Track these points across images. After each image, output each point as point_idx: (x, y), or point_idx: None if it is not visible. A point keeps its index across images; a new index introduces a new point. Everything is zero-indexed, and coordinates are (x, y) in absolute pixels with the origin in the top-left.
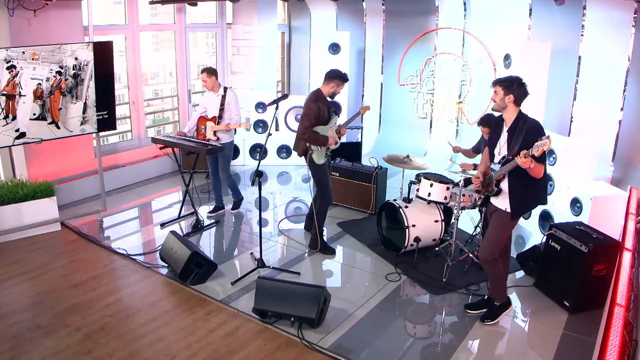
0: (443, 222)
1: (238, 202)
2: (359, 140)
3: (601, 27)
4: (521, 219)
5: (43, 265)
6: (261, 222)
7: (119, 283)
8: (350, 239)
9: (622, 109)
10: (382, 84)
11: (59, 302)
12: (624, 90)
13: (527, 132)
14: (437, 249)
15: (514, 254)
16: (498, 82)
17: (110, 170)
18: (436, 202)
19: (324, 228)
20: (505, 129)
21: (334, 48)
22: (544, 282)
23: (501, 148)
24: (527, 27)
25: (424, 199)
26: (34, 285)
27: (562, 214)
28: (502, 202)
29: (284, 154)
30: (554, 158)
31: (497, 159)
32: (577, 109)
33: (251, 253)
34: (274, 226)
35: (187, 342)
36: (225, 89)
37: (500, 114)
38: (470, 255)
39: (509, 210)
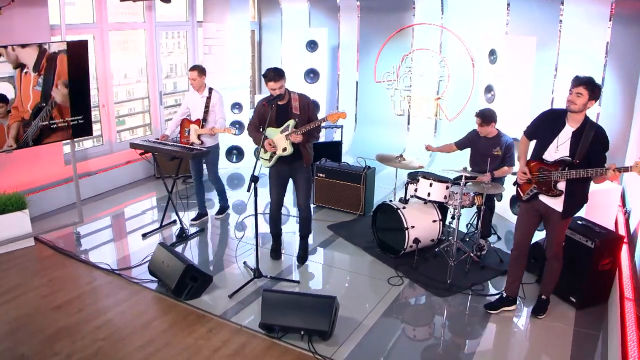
0: (441, 222)
1: (223, 208)
2: (337, 139)
3: (579, 21)
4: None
5: (19, 286)
6: (257, 231)
7: (106, 302)
8: (344, 242)
9: (600, 103)
10: (357, 81)
11: (42, 326)
12: (602, 84)
13: (596, 138)
14: (436, 249)
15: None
16: (584, 83)
17: (82, 179)
18: (436, 202)
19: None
20: (570, 129)
21: (312, 45)
22: None
23: (559, 146)
24: (505, 22)
25: (423, 199)
26: (11, 309)
27: None
28: (555, 202)
29: None
30: None
31: (551, 155)
32: (555, 102)
33: (244, 262)
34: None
35: None
36: (210, 89)
37: (561, 109)
38: (472, 255)
39: (560, 210)
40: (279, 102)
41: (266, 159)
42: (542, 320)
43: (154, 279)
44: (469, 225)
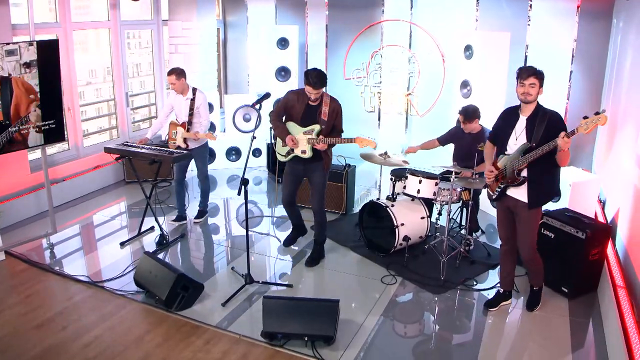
0: (429, 219)
1: (202, 211)
2: None
3: (547, 16)
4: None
5: None
6: (248, 235)
7: (92, 317)
8: (330, 242)
9: (568, 97)
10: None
11: (26, 347)
12: (570, 79)
13: (551, 121)
14: (425, 246)
15: (499, 244)
16: (535, 74)
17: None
18: (425, 199)
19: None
20: (522, 118)
21: (282, 43)
22: None
23: (517, 137)
24: (474, 18)
25: (412, 196)
26: None
27: None
28: (521, 193)
29: (234, 157)
30: None
31: (512, 148)
32: None
33: (232, 268)
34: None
35: None
36: (195, 90)
37: (514, 105)
38: (462, 250)
39: (526, 201)
40: (310, 102)
41: (282, 154)
42: (537, 312)
43: (140, 290)
44: (453, 220)
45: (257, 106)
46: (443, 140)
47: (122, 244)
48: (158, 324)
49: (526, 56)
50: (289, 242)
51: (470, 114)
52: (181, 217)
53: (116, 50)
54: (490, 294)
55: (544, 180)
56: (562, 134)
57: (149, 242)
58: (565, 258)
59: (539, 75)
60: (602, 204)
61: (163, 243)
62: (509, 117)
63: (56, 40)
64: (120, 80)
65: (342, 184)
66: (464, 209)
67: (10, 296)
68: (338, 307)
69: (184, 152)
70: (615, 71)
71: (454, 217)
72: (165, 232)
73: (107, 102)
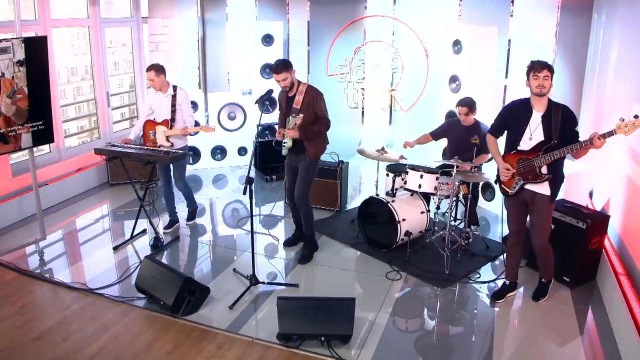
0: (428, 213)
1: (193, 211)
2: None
3: (529, 11)
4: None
5: None
6: (252, 235)
7: (94, 326)
8: (329, 240)
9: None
10: (308, 76)
11: None
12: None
13: (566, 117)
14: (427, 240)
15: (495, 237)
16: (548, 66)
17: (31, 191)
18: (426, 194)
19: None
20: (538, 114)
21: (268, 39)
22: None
23: (533, 133)
24: (457, 13)
25: (414, 191)
26: None
27: None
28: (542, 187)
29: (219, 156)
30: None
31: (527, 144)
32: (509, 91)
33: (234, 269)
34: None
35: None
36: (175, 87)
37: (520, 98)
38: (463, 243)
39: (549, 194)
40: (289, 94)
41: (282, 148)
42: (543, 302)
43: (140, 295)
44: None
45: (260, 103)
46: (436, 135)
47: (116, 249)
48: (165, 330)
49: (509, 50)
50: (289, 242)
51: (471, 105)
52: (173, 221)
53: (96, 49)
54: (488, 286)
55: (560, 172)
56: (596, 134)
57: (143, 245)
58: (565, 248)
59: (551, 69)
60: (590, 194)
61: (158, 246)
62: (519, 112)
63: (44, 37)
64: (100, 80)
65: (336, 180)
66: (459, 203)
67: (3, 308)
68: (354, 305)
69: (179, 151)
70: (598, 64)
71: (450, 211)
72: (160, 235)
73: (81, 104)
